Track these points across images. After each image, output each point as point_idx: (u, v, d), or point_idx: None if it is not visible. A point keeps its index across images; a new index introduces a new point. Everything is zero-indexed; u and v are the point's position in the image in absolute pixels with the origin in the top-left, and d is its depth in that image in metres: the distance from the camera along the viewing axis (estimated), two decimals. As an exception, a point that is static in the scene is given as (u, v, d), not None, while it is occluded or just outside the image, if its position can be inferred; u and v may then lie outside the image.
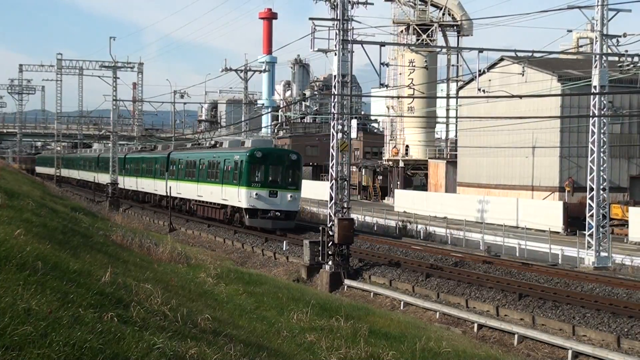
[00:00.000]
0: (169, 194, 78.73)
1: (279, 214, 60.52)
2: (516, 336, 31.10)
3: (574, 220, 63.08)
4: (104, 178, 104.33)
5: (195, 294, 25.30)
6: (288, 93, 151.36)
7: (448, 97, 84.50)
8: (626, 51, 49.71)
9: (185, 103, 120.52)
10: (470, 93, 74.81)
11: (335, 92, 46.05)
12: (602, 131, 47.26)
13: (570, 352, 28.69)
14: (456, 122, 75.62)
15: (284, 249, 51.80)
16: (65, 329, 10.74)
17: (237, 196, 62.55)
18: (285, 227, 59.45)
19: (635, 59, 50.56)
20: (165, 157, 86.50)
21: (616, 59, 50.10)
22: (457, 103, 75.03)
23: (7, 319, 9.85)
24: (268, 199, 60.21)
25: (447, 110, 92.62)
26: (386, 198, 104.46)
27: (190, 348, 13.44)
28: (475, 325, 33.12)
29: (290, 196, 61.03)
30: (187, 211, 79.43)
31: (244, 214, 61.69)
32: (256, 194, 59.92)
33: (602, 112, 48.62)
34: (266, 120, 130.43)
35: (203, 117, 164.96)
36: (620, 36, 48.61)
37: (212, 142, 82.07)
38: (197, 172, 75.18)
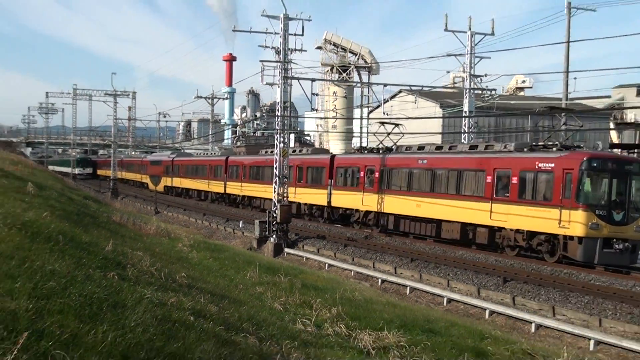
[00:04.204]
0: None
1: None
2: (408, 288, 31.43)
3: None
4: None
5: (174, 259, 25.16)
6: (244, 114, 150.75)
7: (361, 118, 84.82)
8: (486, 87, 50.55)
9: (167, 121, 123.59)
10: (377, 115, 75.08)
11: (279, 114, 46.16)
12: (469, 143, 47.82)
13: (445, 298, 29.10)
14: (367, 136, 75.92)
15: (240, 226, 51.59)
16: (80, 284, 10.74)
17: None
18: None
19: (493, 92, 51.49)
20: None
21: (480, 92, 50.80)
22: (367, 123, 75.32)
23: (38, 277, 9.91)
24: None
25: (361, 127, 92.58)
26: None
27: (171, 297, 13.38)
28: (379, 280, 33.34)
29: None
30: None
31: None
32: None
33: (470, 130, 49.26)
34: (227, 134, 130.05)
35: (180, 132, 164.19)
36: (482, 76, 49.60)
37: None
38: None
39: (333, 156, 46.61)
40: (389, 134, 45.26)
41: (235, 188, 63.69)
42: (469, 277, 31.33)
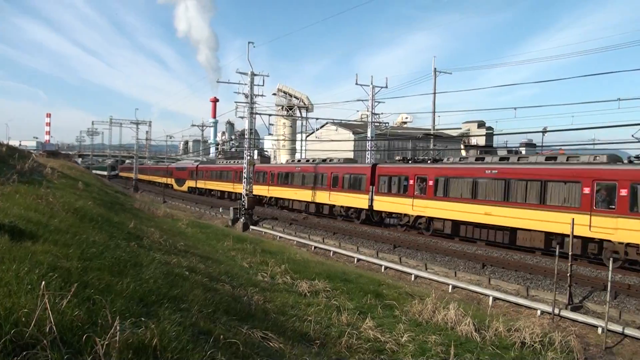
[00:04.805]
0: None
1: None
2: (332, 252, 31.44)
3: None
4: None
5: (176, 233, 24.83)
6: (224, 137, 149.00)
7: (302, 140, 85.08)
8: (382, 121, 51.17)
9: (171, 141, 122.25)
10: (312, 139, 75.14)
11: (247, 137, 46.02)
12: (372, 159, 48.21)
13: (355, 258, 29.16)
14: (306, 152, 76.09)
15: (220, 211, 51.08)
16: (111, 250, 10.62)
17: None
18: None
19: (386, 124, 52.15)
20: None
21: (378, 124, 51.27)
22: (305, 144, 75.53)
23: (84, 245, 9.83)
24: None
25: (302, 146, 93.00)
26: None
27: (173, 259, 13.22)
28: (313, 247, 33.29)
29: None
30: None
31: None
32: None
33: (371, 149, 49.65)
34: (212, 150, 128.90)
35: (181, 148, 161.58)
36: (380, 114, 50.03)
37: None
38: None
39: (374, 165, 36.49)
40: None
41: (262, 190, 50.95)
42: (371, 244, 31.50)
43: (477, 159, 30.01)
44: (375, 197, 35.56)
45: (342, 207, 39.66)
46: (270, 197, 50.21)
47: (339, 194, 39.43)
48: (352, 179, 38.14)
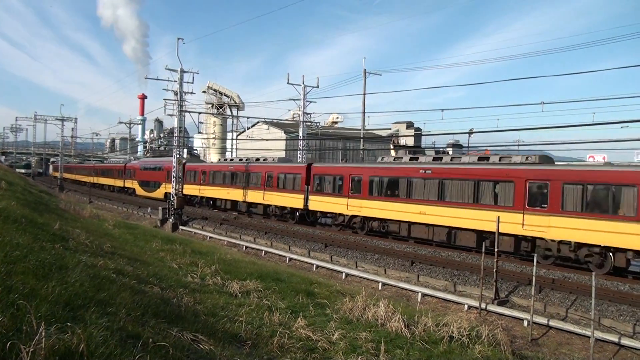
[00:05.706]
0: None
1: None
2: (263, 251, 31.41)
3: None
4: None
5: (102, 234, 24.12)
6: (152, 135, 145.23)
7: (232, 139, 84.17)
8: (313, 120, 51.49)
9: (98, 139, 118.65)
10: (242, 138, 74.67)
11: (176, 135, 45.17)
12: (304, 158, 48.45)
13: (287, 258, 29.27)
14: (236, 151, 75.36)
15: (149, 211, 49.91)
16: (36, 253, 10.36)
17: None
18: None
19: (317, 124, 52.52)
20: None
21: (309, 123, 51.60)
22: (236, 143, 74.80)
23: (7, 248, 9.60)
24: None
25: (232, 145, 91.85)
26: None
27: (99, 261, 12.94)
28: (244, 246, 33.18)
29: None
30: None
31: None
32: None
33: (303, 148, 49.93)
34: (140, 148, 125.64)
35: (107, 146, 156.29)
36: (311, 113, 50.25)
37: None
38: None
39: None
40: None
41: (330, 204, 34.15)
42: (303, 244, 31.72)
43: None
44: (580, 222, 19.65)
45: (561, 241, 22.20)
46: (352, 217, 32.46)
47: (557, 218, 22.01)
48: (591, 193, 21.11)
